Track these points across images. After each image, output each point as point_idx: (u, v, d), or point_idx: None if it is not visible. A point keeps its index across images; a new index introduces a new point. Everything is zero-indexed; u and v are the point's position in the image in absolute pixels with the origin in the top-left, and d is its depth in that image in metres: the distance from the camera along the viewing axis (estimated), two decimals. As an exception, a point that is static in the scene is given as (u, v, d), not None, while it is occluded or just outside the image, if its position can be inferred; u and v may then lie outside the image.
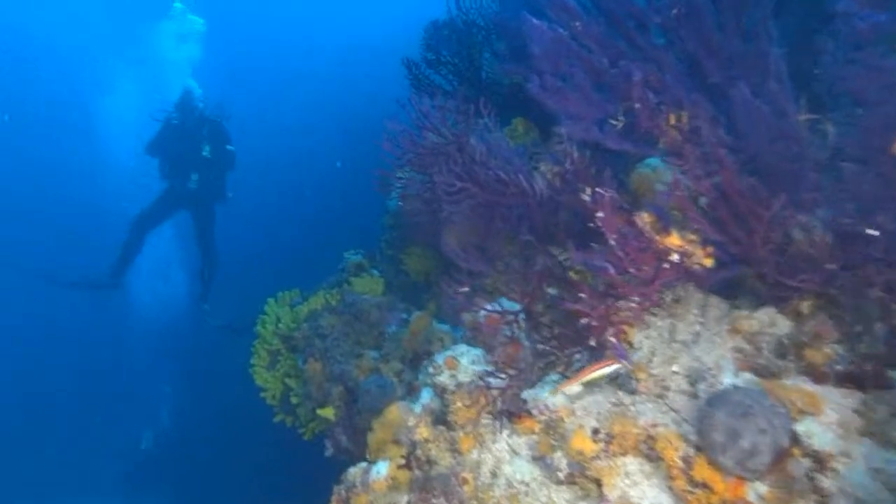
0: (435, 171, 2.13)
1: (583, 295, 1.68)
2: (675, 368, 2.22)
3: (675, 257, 1.72)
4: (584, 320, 1.73)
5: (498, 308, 2.54)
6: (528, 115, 3.57)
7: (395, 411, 2.71)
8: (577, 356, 2.22)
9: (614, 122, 1.98)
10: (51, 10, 14.11)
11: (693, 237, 1.73)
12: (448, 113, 2.44)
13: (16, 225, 13.09)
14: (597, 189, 1.62)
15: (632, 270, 1.61)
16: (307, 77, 15.34)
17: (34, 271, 7.07)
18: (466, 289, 2.41)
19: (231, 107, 6.77)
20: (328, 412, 3.46)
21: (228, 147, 6.75)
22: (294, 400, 3.87)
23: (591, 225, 2.16)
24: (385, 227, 4.67)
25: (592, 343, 1.75)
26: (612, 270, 1.56)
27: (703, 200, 2.07)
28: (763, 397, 1.80)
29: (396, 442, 2.62)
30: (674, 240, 1.71)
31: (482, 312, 2.91)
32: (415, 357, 3.39)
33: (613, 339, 1.72)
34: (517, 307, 2.28)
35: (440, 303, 4.09)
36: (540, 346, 2.20)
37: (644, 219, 1.70)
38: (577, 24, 1.99)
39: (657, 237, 1.68)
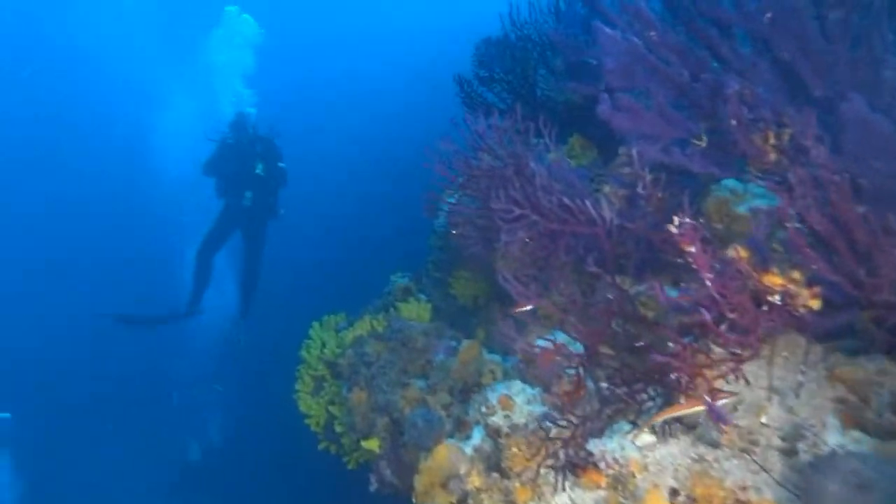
0: (491, 197, 1.91)
1: (672, 344, 1.42)
2: (764, 420, 1.92)
3: (775, 299, 1.44)
4: (673, 375, 1.47)
5: (555, 343, 2.30)
6: (585, 133, 3.33)
7: (443, 452, 2.48)
8: (650, 403, 1.95)
9: (697, 143, 1.72)
10: (100, 22, 14.22)
11: (797, 275, 1.45)
12: (504, 133, 2.23)
13: (72, 241, 13.40)
14: (685, 219, 1.37)
15: (731, 315, 1.35)
16: (357, 92, 15.31)
17: (114, 315, 7.16)
18: (528, 307, 2.14)
19: (282, 121, 6.78)
20: (373, 444, 3.25)
21: (280, 164, 6.77)
22: (338, 429, 3.68)
23: (674, 259, 1.89)
24: (432, 249, 4.48)
25: (682, 401, 1.48)
26: (707, 316, 1.31)
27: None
28: (884, 465, 1.49)
29: (445, 487, 2.39)
30: (774, 278, 1.44)
31: (538, 347, 2.66)
32: (464, 388, 3.16)
33: (709, 398, 1.45)
34: (580, 348, 2.02)
35: (490, 330, 3.85)
36: (607, 391, 1.94)
37: (739, 253, 1.43)
38: (653, 33, 1.75)
39: (756, 275, 1.41)
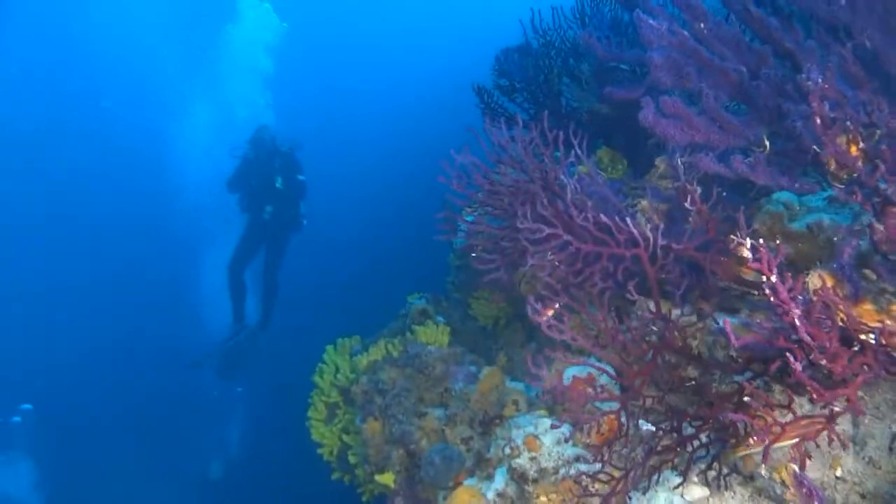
0: (516, 214, 1.65)
1: (749, 399, 1.13)
2: (838, 473, 1.61)
3: (869, 338, 1.14)
4: (751, 441, 1.17)
5: (589, 376, 2.02)
6: (612, 144, 3.05)
7: (463, 497, 2.19)
8: (702, 452, 1.65)
9: (757, 150, 1.44)
10: (112, 21, 13.86)
11: (896, 309, 1.15)
12: (529, 144, 1.97)
13: (92, 250, 13.19)
14: (758, 241, 1.09)
15: (821, 361, 1.05)
16: (376, 100, 14.96)
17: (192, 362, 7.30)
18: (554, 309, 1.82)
19: (296, 127, 6.69)
20: (387, 479, 2.97)
21: (300, 177, 6.73)
22: (352, 459, 3.40)
23: (726, 284, 1.60)
24: (451, 268, 4.21)
25: (763, 472, 1.18)
26: (798, 367, 1.02)
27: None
28: None
29: (465, 537, 2.10)
30: (869, 312, 1.14)
31: (567, 376, 2.38)
32: (484, 419, 2.87)
33: (795, 468, 1.14)
34: (611, 382, 1.73)
35: (512, 355, 3.56)
36: (651, 437, 1.64)
37: (826, 281, 1.14)
38: (702, 24, 1.48)
39: (846, 309, 1.11)
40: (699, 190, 1.59)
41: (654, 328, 1.56)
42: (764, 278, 1.07)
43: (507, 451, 2.14)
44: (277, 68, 8.42)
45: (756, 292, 1.66)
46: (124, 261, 12.87)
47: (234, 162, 6.77)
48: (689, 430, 1.64)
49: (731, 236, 1.51)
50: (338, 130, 14.10)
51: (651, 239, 1.58)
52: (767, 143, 1.41)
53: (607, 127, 2.86)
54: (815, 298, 1.10)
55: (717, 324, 1.66)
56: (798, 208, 2.06)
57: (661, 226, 1.58)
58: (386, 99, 14.83)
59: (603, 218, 1.57)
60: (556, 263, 1.73)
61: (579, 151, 1.86)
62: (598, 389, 2.19)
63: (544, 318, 1.65)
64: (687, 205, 1.58)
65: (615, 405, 1.85)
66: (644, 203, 2.10)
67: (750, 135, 1.39)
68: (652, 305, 1.81)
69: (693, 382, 1.55)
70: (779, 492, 1.64)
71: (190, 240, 9.57)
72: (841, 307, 1.12)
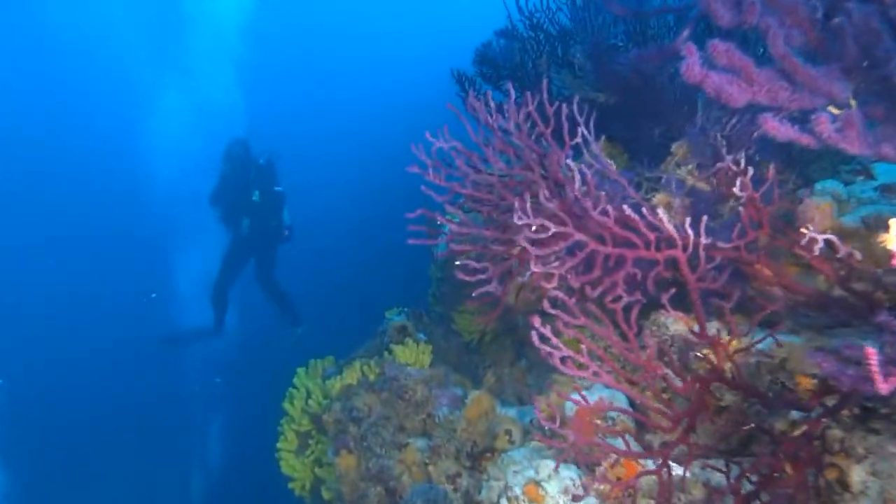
0: (515, 208, 1.20)
1: None
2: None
3: None
4: None
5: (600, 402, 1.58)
6: (609, 136, 2.64)
7: (451, 559, 1.73)
8: (763, 515, 1.21)
9: (837, 111, 1.01)
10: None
11: None
12: (522, 122, 1.53)
13: (64, 244, 12.35)
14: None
15: None
16: (355, 93, 14.24)
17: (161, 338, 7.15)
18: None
19: (273, 137, 6.30)
20: (364, 522, 2.48)
21: (277, 189, 6.34)
22: (326, 495, 2.91)
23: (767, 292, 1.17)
24: (433, 279, 3.75)
25: None
26: None
27: None
28: None
29: None
30: None
31: (570, 403, 1.93)
32: (473, 451, 2.40)
33: None
34: (661, 438, 1.28)
35: (500, 375, 3.10)
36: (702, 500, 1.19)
37: None
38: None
39: None
40: (751, 171, 1.16)
41: (699, 355, 1.12)
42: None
43: (504, 502, 1.67)
44: (247, 48, 7.92)
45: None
46: (96, 253, 12.10)
47: (214, 176, 6.39)
48: (750, 490, 1.20)
49: (802, 230, 1.08)
50: (313, 134, 13.35)
51: (691, 238, 1.14)
52: (854, 101, 0.99)
53: (604, 117, 2.44)
54: None
55: (779, 344, 1.22)
56: (847, 199, 1.65)
57: (705, 219, 1.14)
58: (363, 96, 14.13)
59: (627, 212, 1.13)
60: (565, 273, 1.27)
61: (586, 132, 1.42)
62: (610, 422, 1.74)
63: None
64: (736, 191, 1.15)
65: (632, 442, 1.41)
66: (661, 196, 1.67)
67: (834, 89, 0.98)
68: (688, 324, 1.37)
69: (752, 425, 1.11)
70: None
71: (163, 233, 9.09)
72: None
